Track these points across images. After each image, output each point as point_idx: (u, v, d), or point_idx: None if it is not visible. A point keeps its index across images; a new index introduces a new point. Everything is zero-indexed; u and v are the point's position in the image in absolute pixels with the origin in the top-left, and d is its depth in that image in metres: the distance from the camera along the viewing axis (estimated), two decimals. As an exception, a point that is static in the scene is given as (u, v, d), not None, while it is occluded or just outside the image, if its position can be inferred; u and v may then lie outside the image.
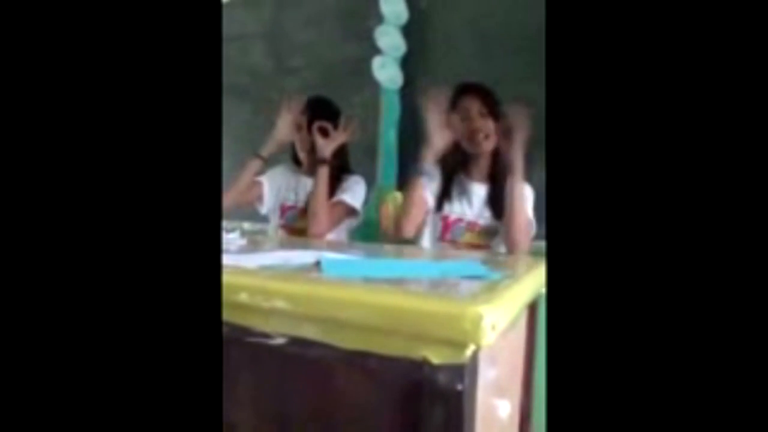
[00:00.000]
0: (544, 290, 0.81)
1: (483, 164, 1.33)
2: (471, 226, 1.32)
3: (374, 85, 1.87)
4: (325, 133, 1.38)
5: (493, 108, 1.28)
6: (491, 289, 0.55)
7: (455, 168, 1.34)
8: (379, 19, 1.83)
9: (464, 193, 1.33)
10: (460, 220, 1.32)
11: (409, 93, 1.85)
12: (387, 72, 1.85)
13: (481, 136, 1.26)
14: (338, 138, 1.38)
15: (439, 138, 1.22)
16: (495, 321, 0.45)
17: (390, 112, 1.87)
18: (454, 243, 1.31)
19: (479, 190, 1.33)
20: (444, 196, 1.33)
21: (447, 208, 1.33)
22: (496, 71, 1.69)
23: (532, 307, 0.84)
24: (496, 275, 0.64)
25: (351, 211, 1.43)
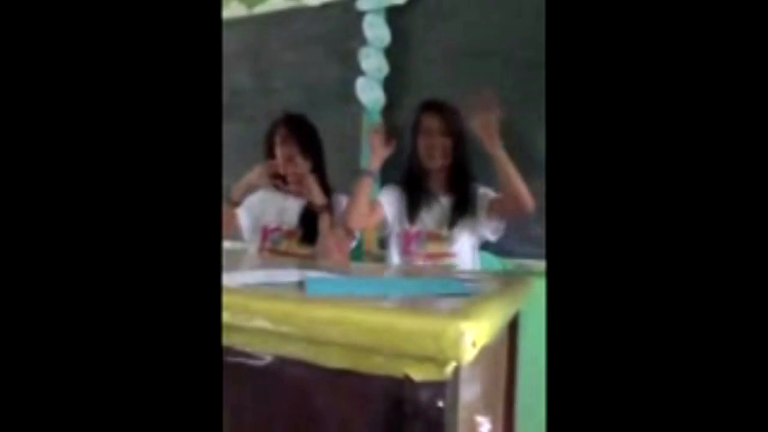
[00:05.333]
0: (524, 306, 0.83)
1: (441, 177, 1.37)
2: (431, 236, 1.35)
3: (357, 106, 1.89)
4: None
5: (453, 126, 1.33)
6: (471, 305, 0.56)
7: (419, 183, 1.38)
8: (362, 41, 1.87)
9: (429, 205, 1.37)
10: (420, 232, 1.36)
11: (391, 113, 1.88)
12: (370, 93, 1.87)
13: (438, 152, 1.32)
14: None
15: (381, 151, 1.30)
16: (476, 337, 0.46)
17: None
18: (417, 254, 1.35)
19: (443, 201, 1.37)
20: (412, 210, 1.37)
21: (407, 225, 1.37)
22: (477, 92, 1.73)
23: (513, 323, 0.85)
24: (476, 292, 0.65)
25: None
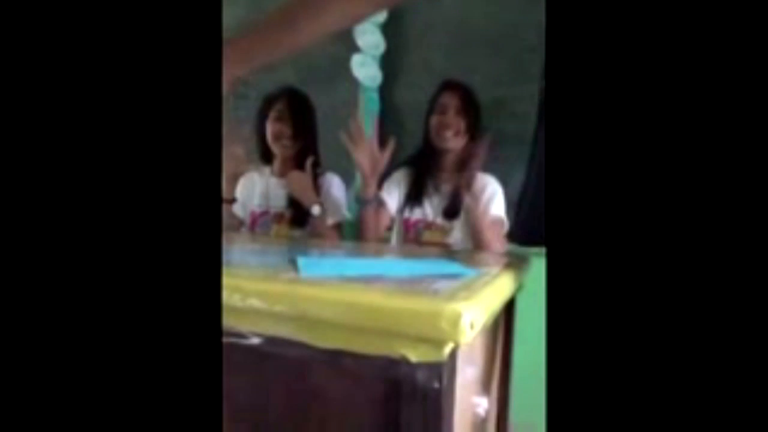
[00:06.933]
0: (521, 287, 0.82)
1: (450, 161, 1.33)
2: (428, 225, 1.34)
3: (353, 83, 1.86)
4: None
5: (470, 108, 1.29)
6: (469, 286, 0.55)
7: (428, 168, 1.35)
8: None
9: (433, 192, 1.34)
10: (419, 220, 1.34)
11: (388, 91, 1.85)
12: (366, 70, 1.84)
13: (450, 132, 1.28)
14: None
15: (371, 169, 1.22)
16: (473, 319, 0.45)
17: (369, 111, 1.86)
18: (416, 241, 1.34)
19: (444, 189, 1.34)
20: (414, 197, 1.34)
21: (408, 211, 1.35)
22: (473, 71, 1.70)
23: (510, 305, 0.85)
24: (474, 273, 0.64)
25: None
